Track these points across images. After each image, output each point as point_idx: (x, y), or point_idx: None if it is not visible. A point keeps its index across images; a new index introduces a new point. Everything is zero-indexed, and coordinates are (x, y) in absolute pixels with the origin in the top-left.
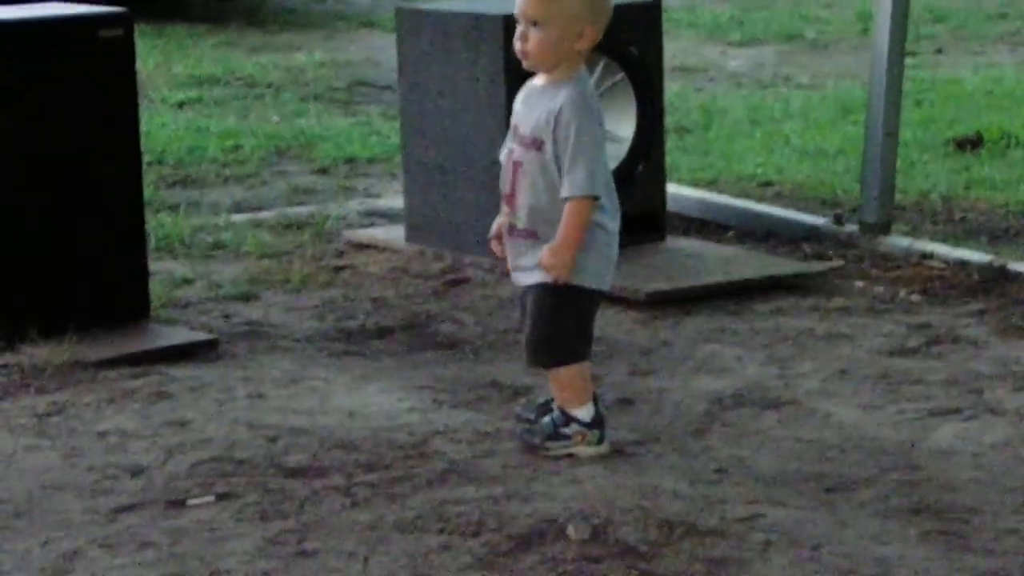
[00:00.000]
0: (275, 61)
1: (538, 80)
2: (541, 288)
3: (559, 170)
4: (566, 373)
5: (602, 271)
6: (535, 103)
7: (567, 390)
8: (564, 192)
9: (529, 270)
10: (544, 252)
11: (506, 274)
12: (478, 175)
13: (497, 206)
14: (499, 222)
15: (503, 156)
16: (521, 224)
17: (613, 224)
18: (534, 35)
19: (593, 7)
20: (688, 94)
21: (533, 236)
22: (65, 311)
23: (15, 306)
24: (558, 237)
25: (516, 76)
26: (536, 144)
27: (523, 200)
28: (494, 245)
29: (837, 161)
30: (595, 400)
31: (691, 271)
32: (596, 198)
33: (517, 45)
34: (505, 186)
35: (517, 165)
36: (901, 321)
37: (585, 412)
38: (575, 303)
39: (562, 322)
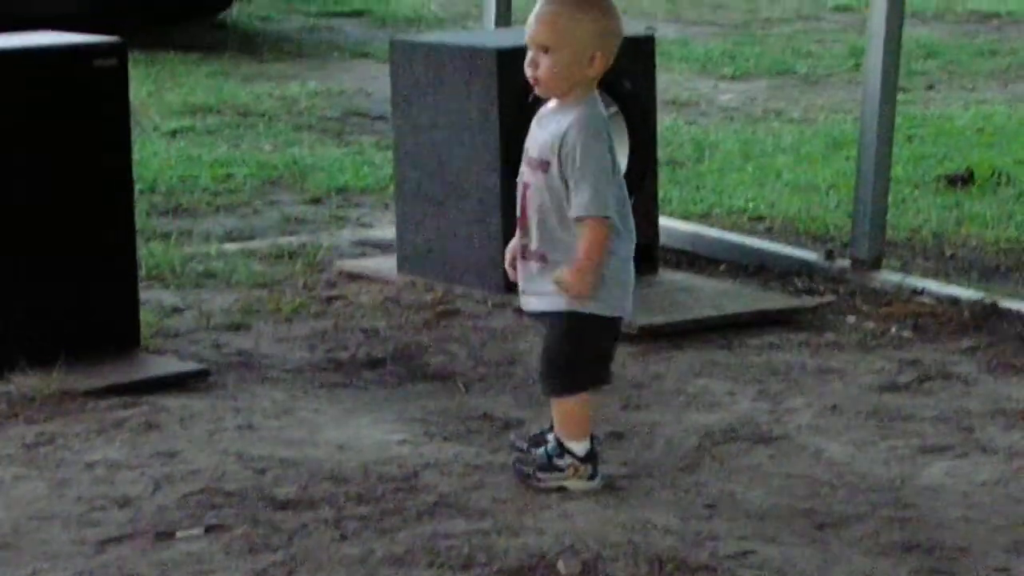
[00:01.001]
0: (268, 90)
1: (551, 104)
2: (555, 316)
3: (566, 191)
4: (573, 403)
5: (618, 297)
6: (545, 126)
7: (567, 421)
8: (572, 212)
9: (539, 295)
10: (563, 271)
11: (499, 305)
12: (471, 206)
13: (489, 236)
14: (513, 246)
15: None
16: (533, 246)
17: (626, 249)
18: (545, 61)
19: (604, 33)
20: (680, 127)
21: (543, 259)
22: (55, 340)
23: (4, 335)
24: (578, 257)
25: (509, 108)
26: (543, 165)
27: (533, 222)
28: (509, 270)
29: (828, 196)
30: (591, 436)
31: (683, 305)
32: (606, 218)
33: (528, 72)
34: (518, 209)
35: (526, 187)
36: (892, 357)
37: (581, 446)
38: (591, 331)
39: (577, 350)
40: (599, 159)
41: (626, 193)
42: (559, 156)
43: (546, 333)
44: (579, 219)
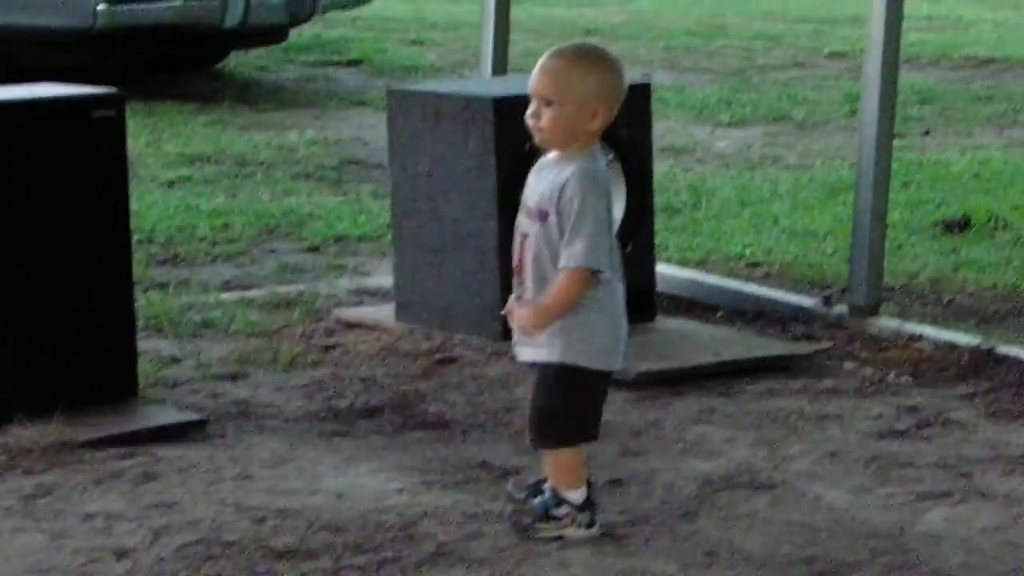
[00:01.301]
0: (266, 139)
1: (551, 155)
2: (545, 367)
3: (562, 242)
4: (565, 455)
5: (607, 350)
6: (544, 176)
7: (562, 471)
8: (561, 262)
9: (532, 346)
10: (527, 305)
11: (497, 353)
12: (468, 254)
13: (486, 284)
14: (513, 296)
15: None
16: (528, 296)
17: (618, 303)
18: (547, 114)
19: (606, 88)
20: (677, 174)
21: None
22: (52, 391)
23: (2, 386)
24: (544, 297)
25: (506, 157)
26: (541, 216)
27: (529, 272)
28: (510, 319)
29: (826, 242)
30: (588, 484)
31: (681, 351)
32: (595, 272)
33: (530, 122)
34: (515, 259)
35: (524, 237)
36: (890, 403)
37: (578, 495)
38: (579, 383)
39: (563, 402)
40: (596, 212)
41: (617, 246)
42: (557, 207)
43: (535, 383)
44: (563, 268)
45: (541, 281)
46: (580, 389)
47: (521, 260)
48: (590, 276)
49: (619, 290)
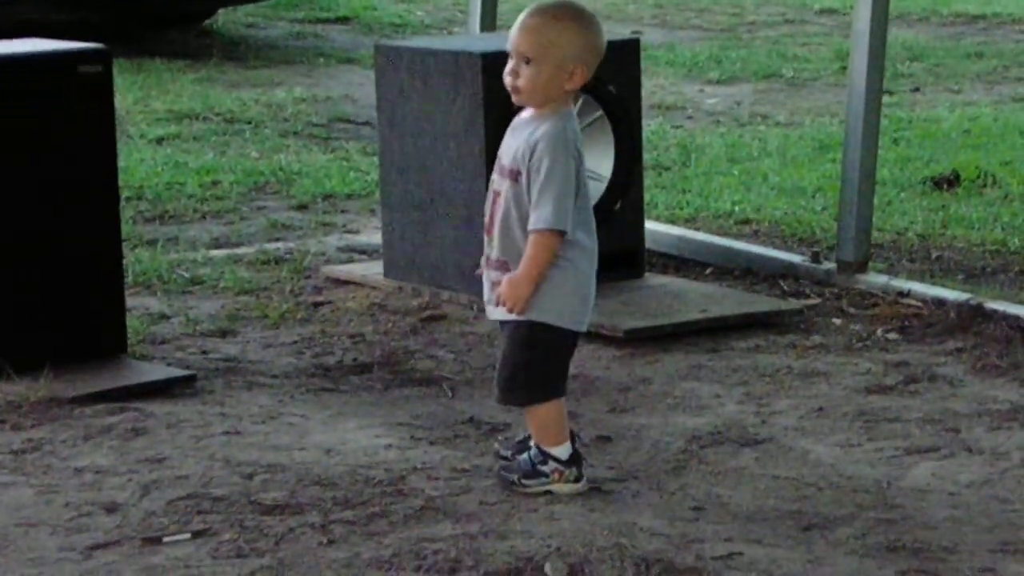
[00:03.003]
0: (254, 97)
1: (526, 113)
2: (513, 325)
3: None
4: (541, 411)
5: (576, 310)
6: (519, 134)
7: (543, 428)
8: (531, 224)
9: (501, 304)
10: (503, 283)
11: (483, 310)
12: (457, 211)
13: (475, 241)
14: (485, 254)
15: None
16: (495, 254)
17: (588, 263)
18: (525, 72)
19: (586, 48)
20: (666, 131)
21: (504, 267)
22: (42, 347)
23: None
24: (519, 269)
25: (494, 113)
26: (513, 174)
27: (497, 230)
28: (480, 275)
29: (815, 199)
30: (572, 438)
31: (669, 308)
32: (562, 233)
33: (507, 80)
34: (486, 216)
35: (496, 195)
36: (878, 359)
37: (562, 450)
38: (545, 341)
39: (531, 360)
40: (564, 174)
41: (591, 207)
42: (528, 166)
43: (504, 341)
44: (532, 231)
45: (507, 241)
46: (547, 346)
47: (492, 218)
48: (559, 237)
49: (589, 250)
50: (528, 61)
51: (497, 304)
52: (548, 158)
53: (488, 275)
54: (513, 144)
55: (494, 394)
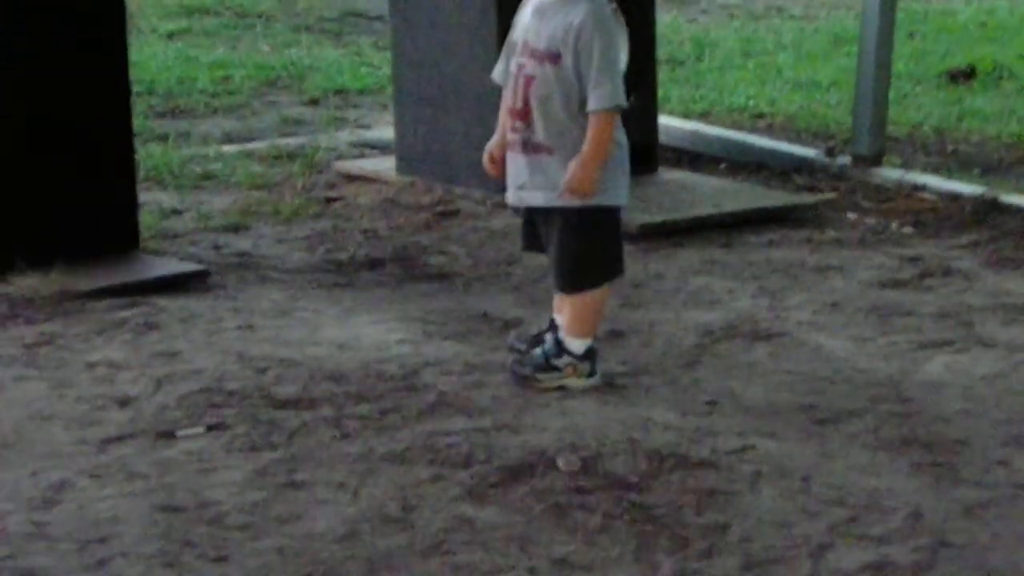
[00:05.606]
0: None
1: None
2: (575, 211)
3: (579, 83)
4: (598, 295)
5: (624, 186)
6: (550, 18)
7: (583, 315)
8: (592, 105)
9: (545, 189)
10: (571, 171)
11: (499, 205)
12: (469, 107)
13: (488, 136)
14: (495, 142)
15: (498, 74)
16: (539, 138)
17: (623, 137)
18: None
19: None
20: (680, 26)
21: (550, 152)
22: (54, 242)
23: (3, 237)
24: (584, 153)
25: (508, 8)
26: (552, 58)
27: (539, 114)
28: (488, 165)
29: (829, 93)
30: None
31: (683, 203)
32: (620, 109)
33: None
34: (516, 101)
35: (530, 80)
36: (892, 253)
37: (581, 344)
38: (609, 222)
39: (598, 242)
40: (616, 52)
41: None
42: (574, 49)
43: (559, 229)
44: (595, 111)
45: (551, 124)
46: (610, 226)
47: (527, 103)
48: (618, 114)
49: (620, 126)
50: None
51: (565, 192)
52: (600, 39)
53: (527, 161)
54: (547, 28)
55: (557, 284)
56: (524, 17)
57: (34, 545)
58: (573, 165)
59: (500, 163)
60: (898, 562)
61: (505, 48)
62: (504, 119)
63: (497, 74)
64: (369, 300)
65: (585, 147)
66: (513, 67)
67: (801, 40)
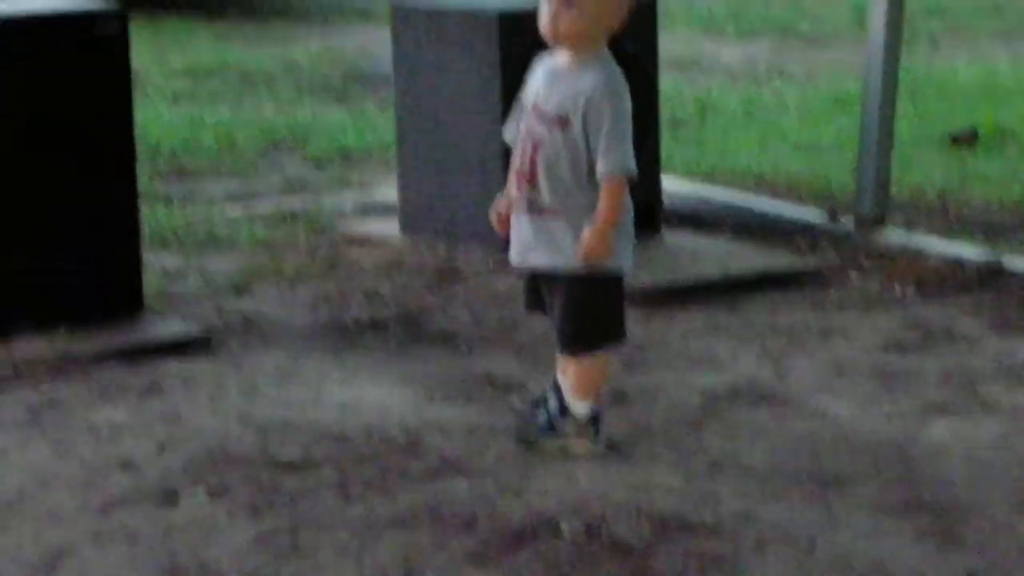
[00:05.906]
0: (270, 53)
1: (560, 58)
2: (584, 274)
3: (587, 149)
4: (601, 359)
5: (630, 252)
6: (560, 82)
7: (586, 378)
8: (604, 169)
9: (549, 252)
10: (586, 239)
11: (502, 266)
12: (472, 168)
13: (490, 198)
14: (503, 202)
15: (509, 134)
16: (545, 202)
17: (630, 202)
18: (567, 15)
19: None
20: (683, 87)
21: (556, 215)
22: (58, 304)
23: (8, 299)
24: (598, 219)
25: (511, 70)
26: (561, 123)
27: (543, 178)
28: (495, 222)
29: (832, 155)
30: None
31: (686, 265)
32: (632, 175)
33: (546, 26)
34: (523, 164)
35: (538, 144)
36: (896, 316)
37: (585, 406)
38: (616, 286)
39: (605, 306)
40: (627, 117)
41: None
42: (583, 115)
43: (565, 292)
44: (607, 177)
45: (557, 188)
46: (617, 290)
47: (533, 167)
48: (629, 181)
49: (627, 191)
50: (570, 4)
51: (582, 259)
52: (611, 105)
53: (533, 224)
54: (557, 92)
55: (561, 344)
56: (536, 78)
57: None
58: (587, 234)
59: (507, 221)
60: None
61: (515, 107)
62: (511, 178)
63: (508, 133)
64: (372, 362)
65: (599, 214)
66: (522, 129)
67: (803, 102)
